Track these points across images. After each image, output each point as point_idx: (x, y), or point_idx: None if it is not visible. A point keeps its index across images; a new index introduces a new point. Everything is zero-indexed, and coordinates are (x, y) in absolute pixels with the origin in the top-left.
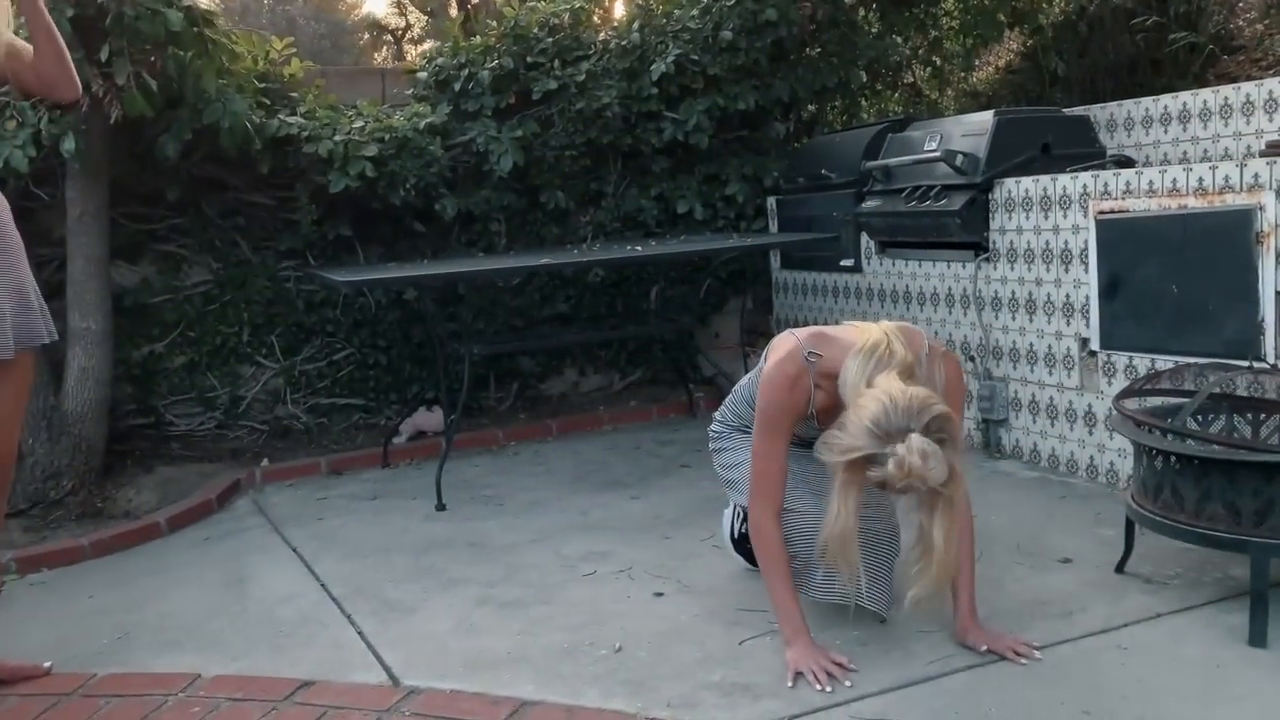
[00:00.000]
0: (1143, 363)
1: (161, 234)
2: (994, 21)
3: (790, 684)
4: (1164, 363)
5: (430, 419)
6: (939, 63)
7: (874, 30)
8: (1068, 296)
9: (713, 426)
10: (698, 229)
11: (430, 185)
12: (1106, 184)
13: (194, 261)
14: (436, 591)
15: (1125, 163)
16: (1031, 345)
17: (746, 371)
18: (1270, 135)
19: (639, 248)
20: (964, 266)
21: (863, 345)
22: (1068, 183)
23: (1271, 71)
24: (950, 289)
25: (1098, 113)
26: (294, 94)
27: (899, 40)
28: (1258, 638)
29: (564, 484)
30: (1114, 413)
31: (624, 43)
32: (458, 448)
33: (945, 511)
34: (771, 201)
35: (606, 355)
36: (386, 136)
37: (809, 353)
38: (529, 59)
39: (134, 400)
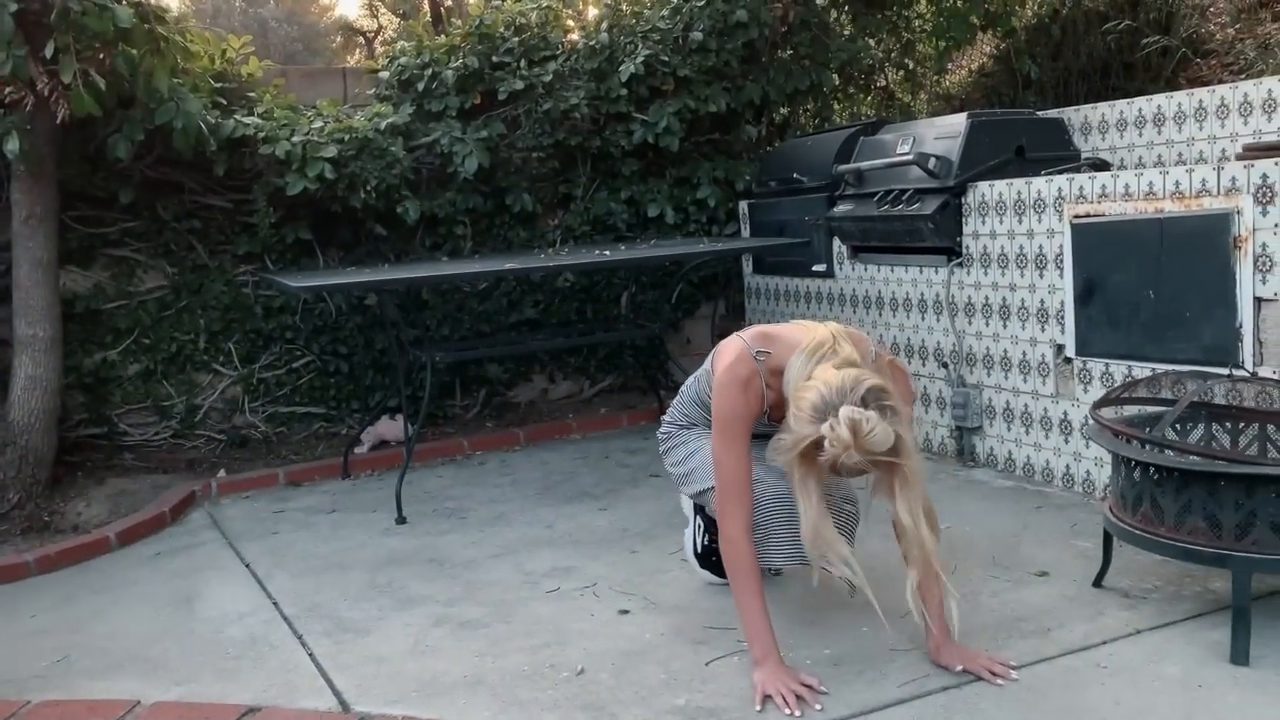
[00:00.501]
0: (1119, 369)
1: (114, 238)
2: (966, 24)
3: (759, 708)
4: (1140, 370)
5: (393, 428)
6: (912, 65)
7: (846, 32)
8: (1042, 302)
9: (661, 430)
10: (669, 233)
11: (392, 187)
12: (1082, 187)
13: (148, 266)
14: (392, 610)
15: (1100, 166)
16: (1006, 351)
17: None
18: (1244, 138)
19: (608, 252)
20: (937, 271)
21: (807, 344)
22: (1042, 186)
23: (1243, 75)
24: (923, 294)
25: (1072, 115)
26: (251, 94)
27: (871, 43)
28: (1240, 655)
29: (530, 495)
30: (1090, 422)
31: (592, 43)
32: (422, 458)
33: (904, 488)
34: (743, 205)
35: (576, 362)
36: (347, 137)
37: (757, 351)
38: (494, 59)
39: (86, 410)
